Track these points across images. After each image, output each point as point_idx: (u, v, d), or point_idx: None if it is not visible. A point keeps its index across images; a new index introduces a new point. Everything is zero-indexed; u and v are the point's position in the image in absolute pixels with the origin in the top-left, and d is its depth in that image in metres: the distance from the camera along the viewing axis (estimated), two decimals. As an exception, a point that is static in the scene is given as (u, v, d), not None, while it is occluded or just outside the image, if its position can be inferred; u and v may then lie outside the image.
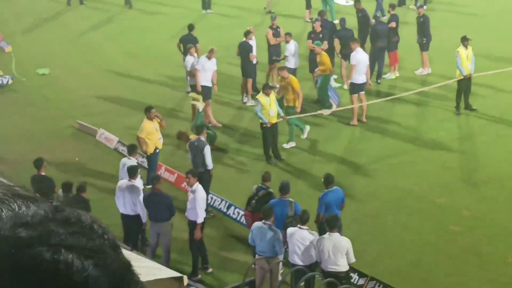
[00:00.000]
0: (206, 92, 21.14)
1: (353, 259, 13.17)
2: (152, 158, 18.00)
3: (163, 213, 14.94)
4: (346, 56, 23.19)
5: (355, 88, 21.39)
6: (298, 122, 20.37)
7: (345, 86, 23.61)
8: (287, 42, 22.90)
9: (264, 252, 13.78)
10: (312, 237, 13.47)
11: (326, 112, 21.56)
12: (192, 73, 21.67)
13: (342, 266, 13.06)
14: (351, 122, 21.47)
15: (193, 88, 21.56)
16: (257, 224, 13.91)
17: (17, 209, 1.43)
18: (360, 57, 21.31)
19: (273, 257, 13.77)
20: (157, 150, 17.96)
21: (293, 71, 22.46)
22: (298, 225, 13.65)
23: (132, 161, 16.52)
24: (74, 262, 1.35)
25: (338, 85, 23.67)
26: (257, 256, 13.97)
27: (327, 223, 13.25)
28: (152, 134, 17.76)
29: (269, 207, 14.08)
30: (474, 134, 21.08)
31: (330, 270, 13.04)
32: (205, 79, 21.24)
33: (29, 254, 1.36)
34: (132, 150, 17.07)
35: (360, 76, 21.27)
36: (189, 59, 21.91)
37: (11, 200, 1.45)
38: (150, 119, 17.87)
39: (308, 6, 31.11)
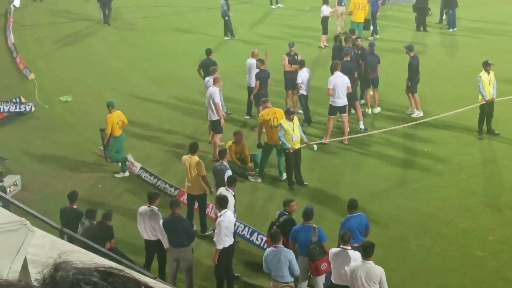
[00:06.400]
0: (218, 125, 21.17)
1: None
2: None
3: (183, 238, 14.82)
4: (372, 80, 23.29)
5: (333, 110, 21.69)
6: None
7: (370, 111, 23.74)
8: (299, 69, 22.97)
9: (280, 277, 13.65)
10: (357, 256, 13.34)
11: (120, 175, 20.58)
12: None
13: None
14: (323, 140, 21.64)
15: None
16: (269, 250, 13.85)
17: None
18: (337, 81, 21.46)
19: (291, 282, 13.66)
20: None
21: (305, 98, 22.59)
22: (341, 246, 13.52)
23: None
24: None
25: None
26: (273, 283, 13.85)
27: (362, 250, 13.01)
28: None
29: (276, 230, 13.97)
30: (497, 158, 20.97)
31: None
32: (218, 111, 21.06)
33: None
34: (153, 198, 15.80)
35: (339, 99, 21.45)
36: (209, 80, 21.92)
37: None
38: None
39: (325, 32, 31.22)
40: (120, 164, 20.72)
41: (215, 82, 21.21)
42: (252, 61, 23.49)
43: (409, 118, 23.35)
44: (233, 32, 33.45)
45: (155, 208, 15.34)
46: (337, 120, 22.47)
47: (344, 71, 22.01)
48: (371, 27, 32.02)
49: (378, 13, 31.98)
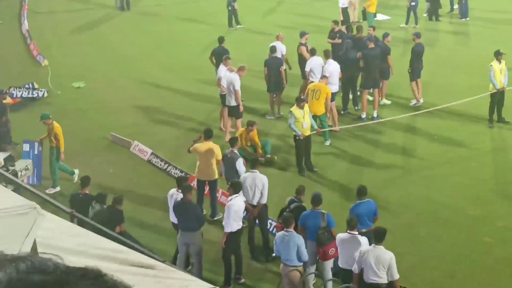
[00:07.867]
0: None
1: (395, 276, 12.84)
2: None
3: (192, 223, 14.88)
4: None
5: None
6: None
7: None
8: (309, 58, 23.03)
9: (289, 260, 13.79)
10: (364, 241, 13.48)
11: (51, 190, 19.24)
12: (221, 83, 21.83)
13: (383, 278, 12.85)
14: (333, 128, 21.72)
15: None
16: (280, 233, 14.00)
17: (36, 264, 1.56)
18: (332, 68, 21.83)
19: (299, 266, 13.80)
20: None
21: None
22: (348, 231, 13.64)
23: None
24: None
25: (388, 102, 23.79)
26: (282, 265, 14.00)
27: (374, 236, 13.15)
28: None
29: (289, 215, 14.13)
30: (507, 146, 21.00)
31: (371, 281, 12.97)
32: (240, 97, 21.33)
33: None
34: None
35: (332, 85, 21.66)
36: (222, 69, 22.02)
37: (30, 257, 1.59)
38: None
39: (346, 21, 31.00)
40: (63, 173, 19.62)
41: (240, 70, 21.35)
42: (277, 44, 23.69)
43: (420, 107, 23.34)
44: (237, 21, 33.33)
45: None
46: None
47: (369, 58, 22.48)
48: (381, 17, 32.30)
49: (411, 3, 31.89)
